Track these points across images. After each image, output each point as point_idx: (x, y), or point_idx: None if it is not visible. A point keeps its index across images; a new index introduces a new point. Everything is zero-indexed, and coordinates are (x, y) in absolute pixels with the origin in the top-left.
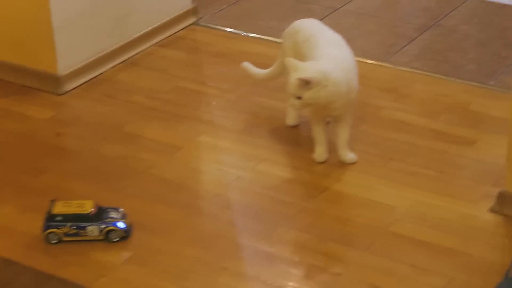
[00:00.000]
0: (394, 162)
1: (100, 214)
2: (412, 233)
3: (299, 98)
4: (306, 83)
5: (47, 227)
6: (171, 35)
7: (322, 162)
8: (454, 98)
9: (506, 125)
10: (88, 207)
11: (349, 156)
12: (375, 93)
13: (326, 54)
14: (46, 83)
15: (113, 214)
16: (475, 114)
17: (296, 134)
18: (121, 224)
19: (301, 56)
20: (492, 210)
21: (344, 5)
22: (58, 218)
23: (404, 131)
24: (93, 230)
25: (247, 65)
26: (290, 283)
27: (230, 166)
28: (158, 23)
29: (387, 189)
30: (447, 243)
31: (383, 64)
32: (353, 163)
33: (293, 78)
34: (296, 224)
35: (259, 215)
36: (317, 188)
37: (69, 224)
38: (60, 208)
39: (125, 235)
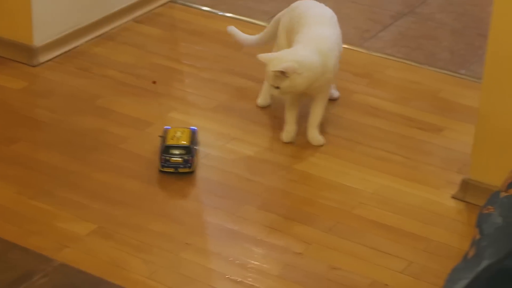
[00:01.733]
0: (363, 146)
1: None
2: (375, 217)
3: (277, 87)
4: (282, 73)
5: None
6: (148, 11)
7: (288, 143)
8: (425, 85)
9: (474, 114)
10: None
11: (317, 137)
12: (348, 77)
13: (307, 35)
14: (21, 54)
15: None
16: (444, 102)
17: (268, 115)
18: None
19: (293, 33)
20: (455, 197)
21: None
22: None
23: (375, 116)
24: None
25: (233, 29)
26: (252, 261)
27: (200, 143)
28: None
29: (354, 172)
30: (408, 227)
31: (357, 49)
32: (321, 145)
33: (269, 70)
34: (261, 203)
35: (225, 193)
36: (285, 168)
37: None
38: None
39: None
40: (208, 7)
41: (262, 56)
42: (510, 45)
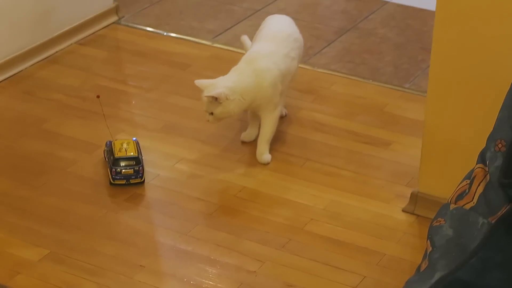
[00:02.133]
0: (311, 162)
1: None
2: (327, 232)
3: (211, 113)
4: (215, 99)
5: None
6: (92, 34)
7: (246, 142)
8: (371, 100)
9: (420, 127)
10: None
11: (262, 155)
12: (294, 94)
13: (248, 53)
14: None
15: None
16: (390, 116)
17: (215, 134)
18: None
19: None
20: (405, 210)
21: (264, 7)
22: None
23: (322, 131)
24: None
25: (245, 38)
26: (206, 281)
27: (149, 164)
28: (80, 21)
29: (304, 188)
30: (360, 242)
31: (302, 66)
32: (267, 164)
33: (203, 96)
34: (213, 222)
35: (177, 213)
36: (235, 187)
37: None
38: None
39: None
40: (152, 27)
41: (199, 82)
42: (452, 58)
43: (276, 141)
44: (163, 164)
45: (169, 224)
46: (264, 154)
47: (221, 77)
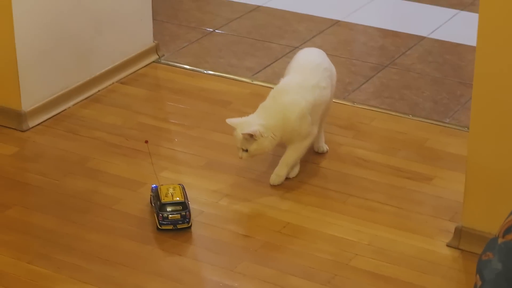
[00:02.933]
0: (354, 198)
1: None
2: (371, 268)
3: (245, 150)
4: (250, 137)
5: None
6: (133, 73)
7: (276, 185)
8: (411, 135)
9: (462, 162)
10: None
11: (274, 175)
12: (334, 130)
13: (276, 87)
14: (10, 119)
15: None
16: (431, 151)
17: (258, 170)
18: None
19: None
20: (449, 245)
21: (302, 44)
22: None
23: (363, 167)
24: None
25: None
26: None
27: (193, 201)
28: (121, 61)
29: (348, 224)
30: (405, 277)
31: (341, 102)
32: (275, 185)
33: (238, 133)
34: (258, 258)
35: (222, 249)
36: (278, 223)
37: None
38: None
39: None
40: (192, 65)
41: (230, 121)
42: (494, 91)
43: (319, 177)
44: (207, 201)
45: (214, 260)
46: (277, 175)
47: (251, 115)
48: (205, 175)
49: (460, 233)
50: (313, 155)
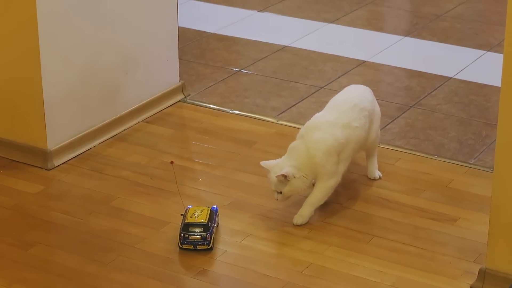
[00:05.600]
0: (377, 239)
1: None
2: None
3: (280, 192)
4: (284, 178)
5: None
6: (158, 112)
7: (299, 225)
8: (436, 176)
9: (487, 203)
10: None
11: (298, 216)
12: (358, 170)
13: (307, 123)
14: (36, 158)
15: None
16: (456, 192)
17: (282, 210)
18: None
19: None
20: (473, 287)
21: (327, 84)
22: None
23: (387, 207)
24: None
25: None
26: None
27: (217, 241)
28: (146, 100)
29: (371, 265)
30: None
31: None
32: (297, 225)
33: (272, 176)
34: None
35: None
36: (302, 263)
37: None
38: None
39: None
40: (217, 105)
41: (265, 163)
42: None
43: (342, 217)
44: (231, 240)
45: None
46: (301, 215)
47: (284, 157)
48: (229, 214)
49: (484, 275)
50: (335, 195)
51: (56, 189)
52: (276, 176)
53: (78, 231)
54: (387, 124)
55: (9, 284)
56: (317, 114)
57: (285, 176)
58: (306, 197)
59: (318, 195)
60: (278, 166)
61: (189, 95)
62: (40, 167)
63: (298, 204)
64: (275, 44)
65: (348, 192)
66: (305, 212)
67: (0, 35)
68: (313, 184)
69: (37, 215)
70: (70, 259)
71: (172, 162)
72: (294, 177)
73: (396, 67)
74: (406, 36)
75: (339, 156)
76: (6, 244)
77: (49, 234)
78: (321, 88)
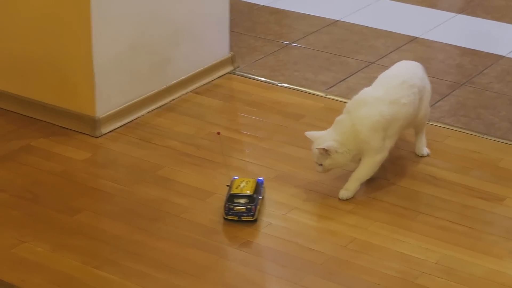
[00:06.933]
0: (424, 216)
1: None
2: (438, 287)
3: (321, 165)
4: (325, 151)
5: None
6: (207, 83)
7: (345, 200)
8: (485, 155)
9: None
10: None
11: (344, 191)
12: (406, 146)
13: (354, 97)
14: (84, 125)
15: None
16: (505, 172)
17: (327, 184)
18: None
19: None
20: None
21: (378, 59)
22: None
23: (435, 185)
24: None
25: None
26: None
27: (261, 213)
28: (196, 71)
29: (416, 242)
30: None
31: None
32: (343, 199)
33: (314, 148)
34: (324, 273)
35: (288, 262)
36: (346, 238)
37: None
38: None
39: None
40: (266, 78)
41: (309, 134)
42: None
43: (388, 193)
44: (275, 213)
45: (280, 273)
46: (346, 189)
47: (329, 129)
48: (275, 187)
49: None
50: (382, 171)
51: (104, 157)
52: (317, 148)
53: (124, 199)
54: (437, 102)
55: (54, 250)
56: (365, 89)
57: (326, 150)
58: (352, 171)
59: (365, 170)
60: (321, 138)
61: (239, 67)
62: (88, 135)
63: (344, 178)
64: (326, 18)
65: (395, 168)
66: (351, 186)
67: (51, 4)
68: (359, 159)
69: (84, 182)
70: (115, 227)
71: (218, 133)
72: (336, 152)
73: (448, 44)
74: (460, 13)
75: (386, 132)
76: (53, 210)
77: (95, 201)
78: (372, 63)
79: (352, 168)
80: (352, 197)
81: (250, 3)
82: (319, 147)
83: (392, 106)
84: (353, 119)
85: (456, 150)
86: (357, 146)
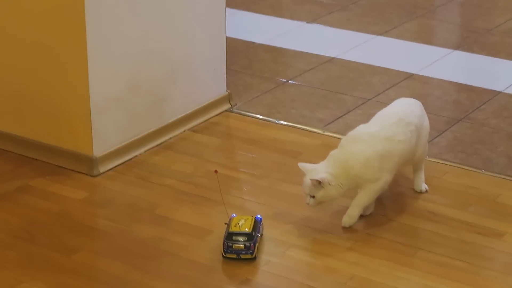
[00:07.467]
0: (423, 252)
1: None
2: None
3: (313, 197)
4: (318, 183)
5: None
6: (205, 121)
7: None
8: (484, 190)
9: None
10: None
11: (346, 218)
12: (405, 183)
13: (349, 134)
14: (81, 164)
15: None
16: (504, 207)
17: (325, 221)
18: None
19: None
20: None
21: (375, 96)
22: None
23: (434, 221)
24: None
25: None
26: None
27: (260, 251)
28: (193, 109)
29: (416, 278)
30: None
31: None
32: (345, 227)
33: (307, 179)
34: None
35: None
36: (345, 275)
37: None
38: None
39: None
40: (263, 115)
41: (302, 165)
42: None
43: (387, 229)
44: (274, 250)
45: None
46: (349, 216)
47: (322, 162)
48: (273, 225)
49: None
50: (381, 207)
51: (101, 196)
52: (310, 179)
53: (122, 239)
54: (435, 138)
55: None
56: (361, 125)
57: (319, 182)
58: (347, 206)
59: (364, 197)
60: (315, 170)
61: (236, 105)
62: (85, 174)
63: (342, 214)
64: (323, 55)
65: (394, 204)
66: (353, 212)
67: (48, 40)
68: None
69: (82, 221)
70: (113, 266)
71: (216, 171)
72: (329, 184)
73: (444, 81)
74: (456, 49)
75: (382, 165)
76: (50, 250)
77: (93, 240)
78: (369, 100)
79: (346, 203)
80: (351, 234)
81: (246, 41)
82: (312, 178)
83: (386, 142)
84: (346, 154)
85: (455, 185)
86: (349, 181)
